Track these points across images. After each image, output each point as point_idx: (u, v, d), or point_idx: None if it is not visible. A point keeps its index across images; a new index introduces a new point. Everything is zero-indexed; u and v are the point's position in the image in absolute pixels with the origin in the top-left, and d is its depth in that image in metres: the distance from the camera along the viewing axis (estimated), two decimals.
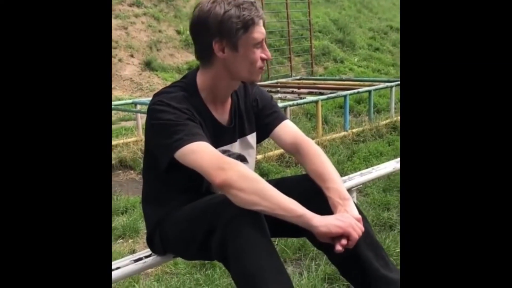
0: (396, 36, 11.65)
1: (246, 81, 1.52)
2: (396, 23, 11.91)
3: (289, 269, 2.38)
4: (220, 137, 1.49)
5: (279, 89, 6.43)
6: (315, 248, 1.65)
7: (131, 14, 9.38)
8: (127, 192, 3.78)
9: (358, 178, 2.20)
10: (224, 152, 1.47)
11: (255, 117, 1.58)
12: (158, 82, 8.25)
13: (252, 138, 1.59)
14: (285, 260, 2.46)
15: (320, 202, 1.38)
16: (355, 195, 2.16)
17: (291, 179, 1.61)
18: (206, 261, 2.35)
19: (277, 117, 1.58)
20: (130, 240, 2.90)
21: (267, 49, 1.43)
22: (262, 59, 1.42)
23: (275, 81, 7.66)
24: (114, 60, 8.23)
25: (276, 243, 2.54)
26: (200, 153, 1.32)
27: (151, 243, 1.57)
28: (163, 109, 1.37)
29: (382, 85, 6.18)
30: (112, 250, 2.64)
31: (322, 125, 5.21)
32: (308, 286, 2.17)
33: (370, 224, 1.48)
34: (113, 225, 3.02)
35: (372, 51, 10.98)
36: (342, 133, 5.12)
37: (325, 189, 1.41)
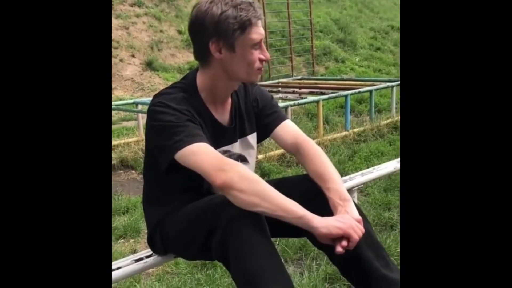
0: (397, 36, 11.64)
1: (244, 82, 1.52)
2: (397, 23, 11.87)
3: (290, 269, 2.38)
4: (220, 137, 1.49)
5: (280, 89, 6.44)
6: (316, 248, 1.65)
7: (132, 14, 9.38)
8: (128, 192, 3.79)
9: (359, 178, 2.20)
10: (224, 152, 1.47)
11: (255, 117, 1.58)
12: (159, 82, 8.26)
13: (252, 138, 1.59)
14: (286, 260, 2.46)
15: (320, 203, 1.38)
16: (356, 195, 2.16)
17: (292, 179, 1.61)
18: (207, 261, 2.35)
19: (277, 117, 1.58)
20: (131, 240, 2.90)
21: (265, 50, 1.42)
22: (261, 60, 1.42)
23: (276, 81, 7.67)
24: (115, 60, 8.23)
25: (277, 243, 2.54)
26: (200, 154, 1.32)
27: (151, 243, 1.57)
28: (163, 111, 1.37)
29: (383, 85, 6.19)
30: (113, 250, 2.64)
31: (323, 125, 5.21)
32: (309, 286, 2.17)
33: (371, 224, 1.48)
34: (114, 225, 3.02)
35: (373, 51, 10.98)
36: (343, 133, 5.12)
37: (325, 189, 1.41)
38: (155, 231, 1.53)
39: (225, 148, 1.50)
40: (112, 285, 1.97)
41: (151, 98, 1.47)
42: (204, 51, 1.40)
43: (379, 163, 2.94)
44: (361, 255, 1.35)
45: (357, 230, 1.29)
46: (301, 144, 1.53)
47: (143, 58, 8.69)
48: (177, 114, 1.36)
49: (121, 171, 4.40)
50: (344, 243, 1.27)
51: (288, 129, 1.57)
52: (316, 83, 6.79)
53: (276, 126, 1.57)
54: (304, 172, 1.54)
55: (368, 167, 2.65)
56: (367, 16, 12.88)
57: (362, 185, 2.28)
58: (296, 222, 1.27)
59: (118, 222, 3.10)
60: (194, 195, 1.43)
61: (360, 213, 1.39)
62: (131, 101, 6.08)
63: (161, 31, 9.40)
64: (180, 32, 9.54)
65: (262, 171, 4.06)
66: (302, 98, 5.55)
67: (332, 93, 5.55)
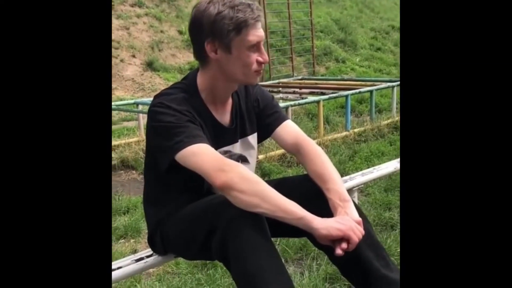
0: (397, 36, 11.63)
1: (242, 83, 1.52)
2: (398, 23, 11.85)
3: (291, 269, 2.38)
4: (221, 137, 1.49)
5: (280, 89, 6.44)
6: (316, 248, 1.65)
7: (133, 15, 9.39)
8: (128, 192, 3.79)
9: (359, 178, 2.20)
10: (225, 152, 1.47)
11: (256, 117, 1.58)
12: (160, 83, 8.26)
13: (253, 138, 1.59)
14: (286, 260, 2.47)
15: (320, 203, 1.38)
16: (357, 194, 2.16)
17: (292, 179, 1.61)
18: (208, 261, 2.36)
19: (278, 117, 1.58)
20: (132, 240, 2.90)
21: (264, 52, 1.41)
22: (259, 62, 1.40)
23: (276, 81, 7.67)
24: (116, 61, 8.23)
25: (277, 243, 2.54)
26: (200, 155, 1.32)
27: (152, 243, 1.57)
28: (164, 111, 1.37)
29: (383, 85, 6.19)
30: (114, 250, 2.64)
31: (323, 125, 5.21)
32: (310, 286, 2.17)
33: (371, 224, 1.48)
34: (114, 225, 3.02)
35: (374, 51, 10.98)
36: (344, 133, 5.12)
37: (325, 190, 1.41)
38: (156, 231, 1.53)
39: (225, 148, 1.50)
40: (113, 285, 1.97)
41: (151, 98, 1.47)
42: (201, 51, 1.40)
43: (380, 163, 2.94)
44: (361, 255, 1.35)
45: (356, 232, 1.29)
46: (301, 144, 1.53)
47: (144, 59, 8.70)
48: (177, 115, 1.36)
49: (122, 171, 4.41)
50: (344, 245, 1.27)
51: (289, 129, 1.57)
52: (316, 83, 6.79)
53: (277, 126, 1.57)
54: (305, 172, 1.54)
55: (368, 167, 2.65)
56: (368, 16, 12.88)
57: (362, 185, 2.28)
58: (296, 223, 1.27)
59: (118, 222, 3.10)
60: (195, 196, 1.43)
61: (360, 213, 1.39)
62: (132, 101, 6.09)
63: (161, 31, 9.40)
64: (180, 33, 9.54)
65: (262, 171, 4.07)
66: (302, 98, 5.56)
67: (332, 93, 5.55)
